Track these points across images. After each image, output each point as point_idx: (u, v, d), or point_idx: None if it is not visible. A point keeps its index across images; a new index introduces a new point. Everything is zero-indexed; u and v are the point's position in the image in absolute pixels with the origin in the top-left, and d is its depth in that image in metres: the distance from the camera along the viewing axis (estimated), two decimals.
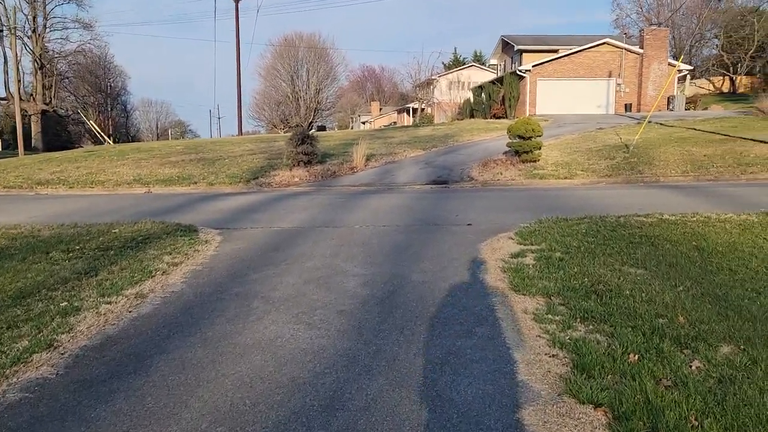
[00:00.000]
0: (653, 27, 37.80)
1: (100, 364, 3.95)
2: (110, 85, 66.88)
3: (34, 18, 52.88)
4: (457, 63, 62.06)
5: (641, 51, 33.67)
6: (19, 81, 40.09)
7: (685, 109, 33.83)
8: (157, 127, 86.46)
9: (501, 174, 15.19)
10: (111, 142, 35.61)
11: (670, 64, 33.62)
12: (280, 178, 16.35)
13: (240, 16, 35.95)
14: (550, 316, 4.52)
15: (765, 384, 3.31)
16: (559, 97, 33.69)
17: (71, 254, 6.94)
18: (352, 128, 62.45)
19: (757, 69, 52.04)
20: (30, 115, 50.38)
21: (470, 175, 15.41)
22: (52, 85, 55.24)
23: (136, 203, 13.08)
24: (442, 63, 63.99)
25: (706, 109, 35.75)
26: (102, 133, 35.30)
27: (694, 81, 49.53)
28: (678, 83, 36.15)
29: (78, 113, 52.91)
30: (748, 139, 17.55)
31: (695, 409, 3.03)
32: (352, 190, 14.34)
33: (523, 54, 39.89)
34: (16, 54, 39.48)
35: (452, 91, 43.96)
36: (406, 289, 5.45)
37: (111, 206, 12.57)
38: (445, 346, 4.05)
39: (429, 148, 20.92)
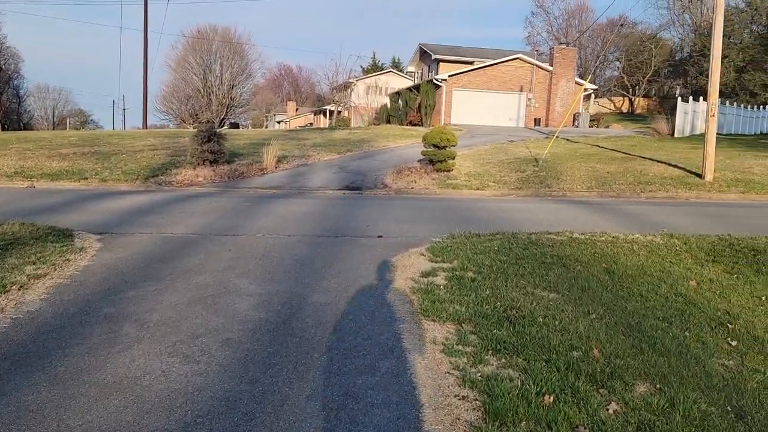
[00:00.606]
0: (562, 46, 39.46)
1: None
2: (0, 67, 61.03)
3: None
4: (375, 68, 62.02)
5: (551, 68, 35.01)
6: None
7: (589, 127, 35.55)
8: (53, 116, 79.91)
9: (415, 182, 14.95)
10: None
11: (576, 82, 35.20)
12: (183, 177, 15.23)
13: (150, 3, 33.89)
14: (460, 347, 4.13)
15: (684, 431, 3.09)
16: (473, 107, 34.32)
17: None
18: (266, 127, 60.64)
19: (653, 92, 56.07)
20: None
21: (384, 182, 15.06)
22: None
23: (12, 199, 11.61)
24: (361, 67, 63.76)
25: (608, 127, 37.77)
26: None
27: (597, 100, 52.49)
28: (583, 101, 37.94)
29: None
30: (646, 158, 18.44)
31: None
32: (259, 193, 13.55)
33: (440, 63, 40.44)
34: None
35: (370, 95, 43.75)
36: (305, 312, 4.89)
37: None
38: (345, 386, 3.54)
39: (344, 152, 20.43)
